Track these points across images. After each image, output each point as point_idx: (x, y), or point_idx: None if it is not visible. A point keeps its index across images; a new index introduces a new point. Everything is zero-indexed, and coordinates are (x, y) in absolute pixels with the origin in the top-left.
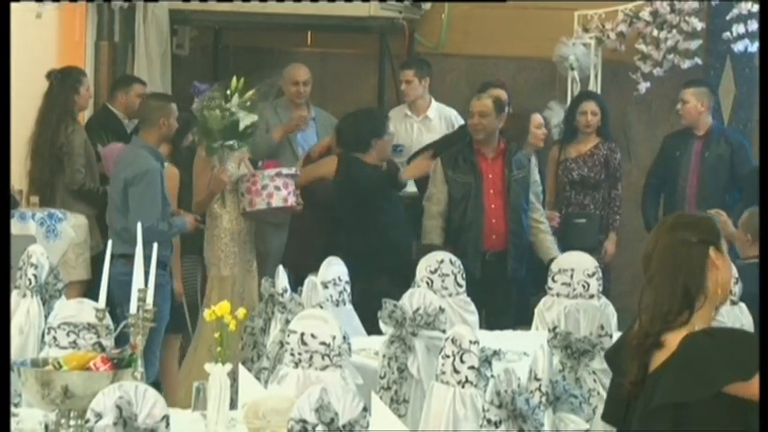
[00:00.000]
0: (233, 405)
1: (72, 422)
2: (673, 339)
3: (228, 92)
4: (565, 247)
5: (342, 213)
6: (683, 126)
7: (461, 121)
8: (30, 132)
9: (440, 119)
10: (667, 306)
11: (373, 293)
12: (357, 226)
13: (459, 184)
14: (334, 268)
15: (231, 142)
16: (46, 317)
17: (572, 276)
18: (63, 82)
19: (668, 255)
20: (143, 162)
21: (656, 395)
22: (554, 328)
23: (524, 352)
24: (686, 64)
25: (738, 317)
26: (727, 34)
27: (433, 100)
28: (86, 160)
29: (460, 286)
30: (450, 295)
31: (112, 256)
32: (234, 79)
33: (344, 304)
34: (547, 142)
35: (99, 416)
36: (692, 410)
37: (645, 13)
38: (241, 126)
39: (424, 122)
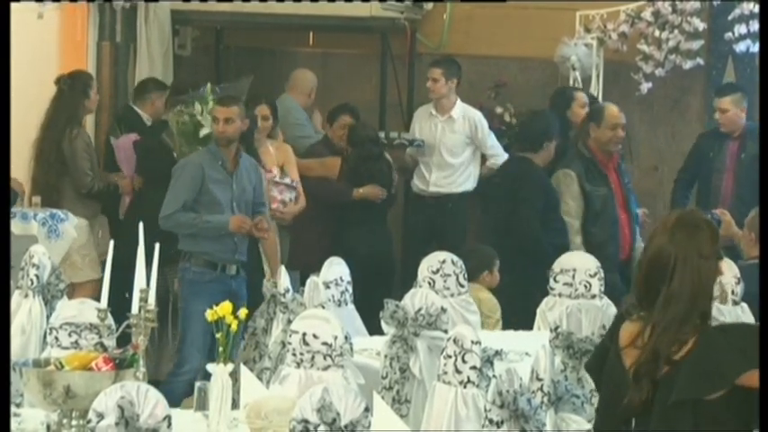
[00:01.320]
0: (235, 405)
1: (74, 422)
2: (690, 334)
3: (196, 101)
4: None
5: None
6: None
7: (485, 125)
8: (28, 132)
9: (464, 119)
10: (681, 327)
11: None
12: None
13: (596, 196)
14: (335, 268)
15: (194, 148)
16: (48, 317)
17: (574, 276)
18: (73, 87)
19: (688, 277)
20: (188, 156)
21: (674, 392)
22: (556, 328)
23: (526, 352)
24: (688, 64)
25: (740, 317)
26: (728, 35)
27: (458, 100)
28: (91, 163)
29: (462, 286)
30: (452, 295)
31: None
32: (208, 85)
33: (346, 304)
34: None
35: (101, 416)
36: (710, 406)
37: (647, 14)
38: (201, 133)
39: (448, 122)
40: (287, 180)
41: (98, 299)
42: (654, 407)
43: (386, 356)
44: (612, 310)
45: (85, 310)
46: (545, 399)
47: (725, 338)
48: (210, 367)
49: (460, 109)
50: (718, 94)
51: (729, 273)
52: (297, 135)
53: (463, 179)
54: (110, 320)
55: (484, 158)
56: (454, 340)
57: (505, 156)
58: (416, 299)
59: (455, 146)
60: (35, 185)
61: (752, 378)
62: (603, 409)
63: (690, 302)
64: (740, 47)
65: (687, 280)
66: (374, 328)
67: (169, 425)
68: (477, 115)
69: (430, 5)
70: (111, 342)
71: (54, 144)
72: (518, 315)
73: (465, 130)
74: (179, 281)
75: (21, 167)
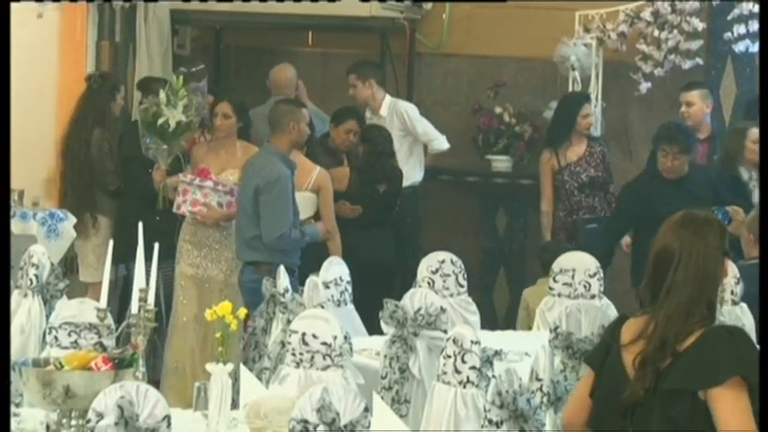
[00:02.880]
0: (234, 405)
1: (73, 422)
2: (695, 329)
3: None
4: None
5: None
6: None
7: (416, 115)
8: (28, 132)
9: (392, 114)
10: (688, 317)
11: None
12: None
13: None
14: (335, 268)
15: (154, 139)
16: (47, 317)
17: (573, 276)
18: (102, 86)
19: (693, 264)
20: (274, 169)
21: (669, 380)
22: (555, 329)
23: (526, 352)
24: (687, 64)
25: (739, 317)
26: (728, 34)
27: (387, 97)
28: (115, 164)
29: (462, 286)
30: (452, 295)
31: (244, 264)
32: (176, 78)
33: (346, 304)
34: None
35: (100, 416)
36: (704, 402)
37: (646, 14)
38: (159, 122)
39: (379, 121)
40: (209, 183)
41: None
42: (656, 397)
43: (385, 356)
44: (612, 310)
45: (85, 309)
46: (544, 399)
47: (731, 338)
48: (210, 367)
49: (388, 104)
50: (685, 88)
51: (729, 273)
52: None
53: (406, 172)
54: (109, 320)
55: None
56: (454, 340)
57: (443, 138)
58: (416, 299)
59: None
60: (63, 182)
61: (715, 394)
62: (601, 403)
63: (695, 289)
64: (739, 47)
65: (692, 267)
66: (374, 328)
67: (169, 425)
68: (405, 105)
69: (429, 5)
70: (110, 342)
71: (83, 143)
72: None
73: (396, 123)
74: (242, 292)
75: (21, 167)
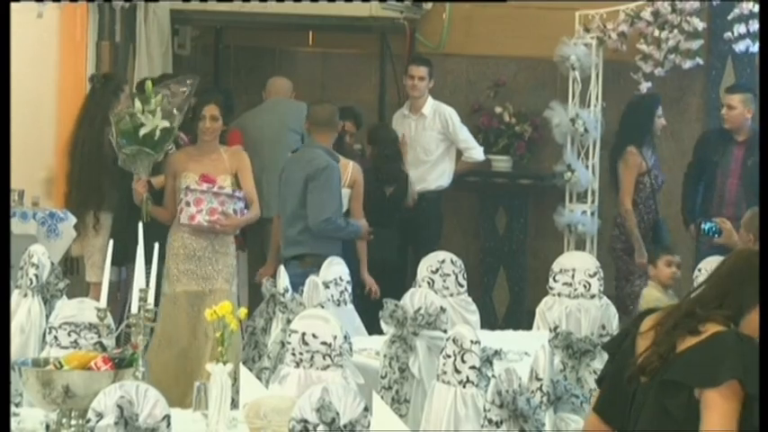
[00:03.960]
0: (234, 405)
1: (73, 422)
2: (708, 329)
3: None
4: None
5: None
6: (721, 127)
7: (458, 122)
8: (28, 132)
9: (435, 115)
10: (714, 298)
11: None
12: None
13: None
14: (335, 268)
15: (138, 148)
16: (47, 316)
17: (573, 276)
18: (106, 86)
19: (740, 263)
20: (323, 158)
21: (670, 371)
22: (555, 328)
23: (525, 352)
24: (687, 64)
25: None
26: (728, 34)
27: (430, 98)
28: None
29: (461, 286)
30: (452, 295)
31: (286, 259)
32: (147, 83)
33: (345, 304)
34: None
35: (100, 415)
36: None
37: (646, 13)
38: (141, 132)
39: (420, 120)
40: (227, 191)
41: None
42: (654, 385)
43: (385, 356)
44: (612, 310)
45: (85, 309)
46: (544, 398)
47: (739, 344)
48: (210, 367)
49: (431, 106)
50: (729, 90)
51: None
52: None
53: (436, 176)
54: (109, 320)
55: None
56: (453, 340)
57: (480, 149)
58: (416, 298)
59: (429, 143)
60: (70, 182)
61: (707, 395)
62: (608, 386)
63: (737, 286)
64: (740, 46)
65: (738, 263)
66: (379, 328)
67: (168, 424)
68: (448, 110)
69: (429, 5)
70: (110, 341)
71: (94, 142)
72: None
73: (437, 125)
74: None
75: (21, 167)
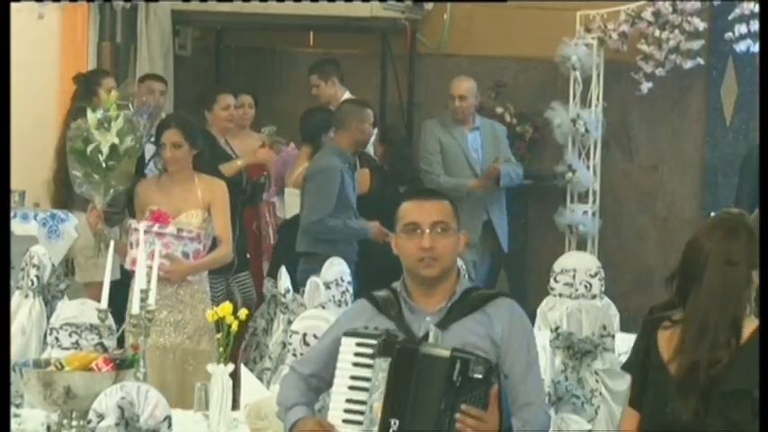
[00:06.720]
0: (235, 405)
1: (74, 423)
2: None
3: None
4: None
5: None
6: None
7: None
8: (28, 132)
9: (485, 129)
10: (714, 337)
11: None
12: None
13: None
14: (336, 268)
15: (84, 170)
16: (48, 317)
17: (574, 277)
18: (85, 84)
19: (715, 278)
20: (323, 159)
21: (728, 382)
22: (556, 329)
23: None
24: (688, 64)
25: None
26: (729, 34)
27: (347, 94)
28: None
29: None
30: None
31: (299, 254)
32: (102, 93)
33: (347, 304)
34: None
35: (101, 416)
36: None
37: (647, 14)
38: (89, 149)
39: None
40: (170, 230)
41: None
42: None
43: None
44: (613, 310)
45: (86, 310)
46: (545, 399)
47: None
48: (211, 368)
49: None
50: None
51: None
52: None
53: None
54: (110, 321)
55: None
56: None
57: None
58: None
59: None
60: (56, 182)
61: None
62: (651, 418)
63: (718, 310)
64: (740, 47)
65: (714, 285)
66: None
67: (169, 425)
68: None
69: (430, 5)
70: (111, 342)
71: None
72: None
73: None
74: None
75: (22, 168)
